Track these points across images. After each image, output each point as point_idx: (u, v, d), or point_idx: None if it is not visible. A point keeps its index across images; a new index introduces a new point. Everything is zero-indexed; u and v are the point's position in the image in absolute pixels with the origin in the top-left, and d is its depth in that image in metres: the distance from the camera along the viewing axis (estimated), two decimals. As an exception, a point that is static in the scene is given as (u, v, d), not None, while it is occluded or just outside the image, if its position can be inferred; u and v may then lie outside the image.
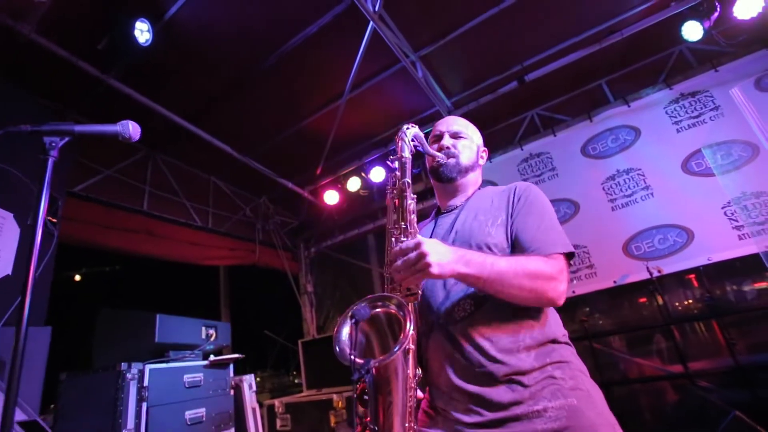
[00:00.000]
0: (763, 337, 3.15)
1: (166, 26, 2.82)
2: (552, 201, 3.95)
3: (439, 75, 3.78)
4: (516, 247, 1.08)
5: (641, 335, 3.68)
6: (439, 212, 1.37)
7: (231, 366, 3.20)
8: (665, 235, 3.44)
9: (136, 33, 2.65)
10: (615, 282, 3.57)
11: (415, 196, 1.14)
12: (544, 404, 0.92)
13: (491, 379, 0.96)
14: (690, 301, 3.66)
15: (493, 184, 1.49)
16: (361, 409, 0.91)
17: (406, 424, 0.90)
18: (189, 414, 2.71)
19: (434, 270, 0.89)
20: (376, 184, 4.55)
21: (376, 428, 0.88)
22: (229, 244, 4.71)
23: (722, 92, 3.48)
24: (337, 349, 0.91)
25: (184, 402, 2.73)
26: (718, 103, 3.47)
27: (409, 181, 1.11)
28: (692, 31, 3.17)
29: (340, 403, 3.58)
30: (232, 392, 3.13)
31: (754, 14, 3.03)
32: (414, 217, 1.09)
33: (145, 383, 2.55)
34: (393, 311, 0.94)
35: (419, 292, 1.00)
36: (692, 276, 3.49)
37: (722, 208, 3.30)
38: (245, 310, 6.55)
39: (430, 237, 1.24)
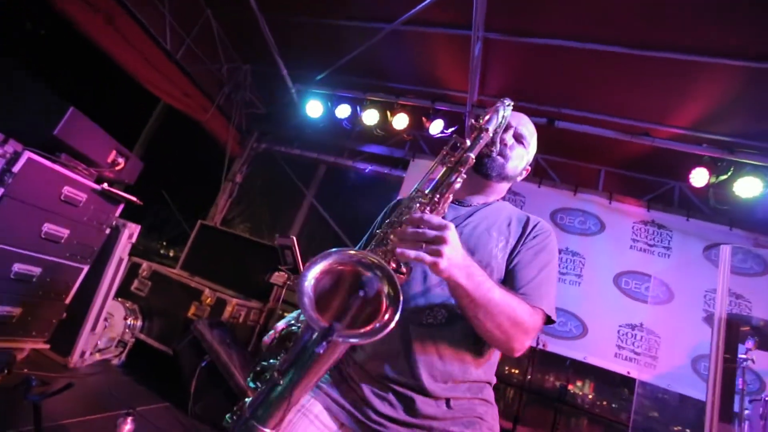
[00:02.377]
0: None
1: None
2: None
3: (487, 66, 3.58)
4: (508, 278, 1.02)
5: (498, 385, 4.00)
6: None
7: (122, 205, 2.82)
8: (567, 321, 3.73)
9: None
10: (505, 334, 3.81)
11: (466, 177, 0.96)
12: (459, 429, 0.93)
13: (422, 391, 0.94)
14: (549, 378, 4.07)
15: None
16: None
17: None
18: (48, 227, 2.33)
19: (442, 264, 0.76)
20: (362, 126, 4.26)
21: (280, 381, 0.78)
22: (185, 87, 4.09)
23: (680, 239, 3.80)
24: (304, 299, 0.69)
25: (50, 213, 2.34)
26: (672, 246, 3.79)
27: (474, 157, 0.93)
28: (700, 177, 3.37)
29: (209, 299, 3.39)
30: (108, 231, 2.76)
31: (747, 196, 3.31)
32: (451, 197, 0.94)
33: (15, 168, 2.12)
34: (379, 284, 0.75)
35: (405, 273, 0.84)
36: (563, 363, 3.84)
37: (618, 326, 3.66)
38: (158, 159, 5.89)
39: None
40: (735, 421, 2.47)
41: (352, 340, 0.69)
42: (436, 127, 3.89)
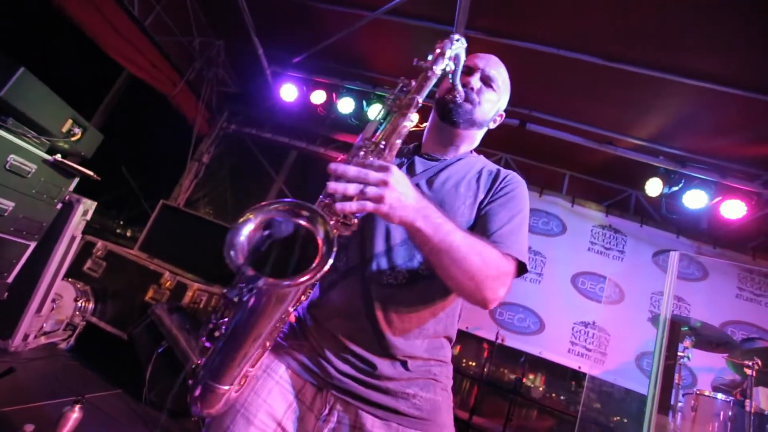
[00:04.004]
0: (530, 424, 3.82)
1: None
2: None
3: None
4: (478, 227, 0.99)
5: (456, 376, 4.13)
6: (418, 152, 1.18)
7: (76, 179, 2.63)
8: (526, 317, 3.90)
9: None
10: (467, 328, 3.92)
11: (415, 122, 0.91)
12: (415, 390, 0.94)
13: (382, 350, 0.94)
14: (504, 371, 4.24)
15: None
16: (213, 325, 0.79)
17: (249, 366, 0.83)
18: (-10, 198, 2.14)
19: (384, 207, 0.72)
20: (337, 114, 4.21)
21: (227, 338, 0.78)
22: (153, 58, 3.84)
23: (633, 243, 4.05)
24: (231, 252, 0.67)
25: (-7, 182, 2.14)
26: (625, 250, 4.04)
27: (421, 100, 0.89)
28: (653, 187, 3.60)
29: (169, 282, 3.25)
30: (59, 206, 2.58)
31: (695, 207, 3.57)
32: (399, 143, 0.87)
33: (-46, 131, 1.92)
34: (314, 232, 0.72)
35: (354, 222, 0.79)
36: (520, 356, 4.01)
37: (573, 323, 3.86)
38: (119, 132, 5.54)
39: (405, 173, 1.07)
40: (669, 413, 2.69)
41: (284, 284, 0.67)
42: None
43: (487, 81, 1.13)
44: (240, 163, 5.31)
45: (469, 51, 3.40)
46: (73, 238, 2.71)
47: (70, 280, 3.09)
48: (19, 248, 2.42)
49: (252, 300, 0.74)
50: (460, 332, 4.01)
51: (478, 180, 1.07)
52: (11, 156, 2.19)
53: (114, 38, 3.38)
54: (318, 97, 4.21)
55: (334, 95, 4.14)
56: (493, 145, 4.59)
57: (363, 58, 4.01)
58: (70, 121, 2.49)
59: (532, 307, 3.94)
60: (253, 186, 5.31)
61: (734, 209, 3.53)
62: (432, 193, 1.04)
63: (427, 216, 0.78)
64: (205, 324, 0.81)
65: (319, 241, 0.69)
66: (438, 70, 0.93)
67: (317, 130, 4.88)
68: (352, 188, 0.72)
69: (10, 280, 2.42)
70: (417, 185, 1.02)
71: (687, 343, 2.75)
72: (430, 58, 0.94)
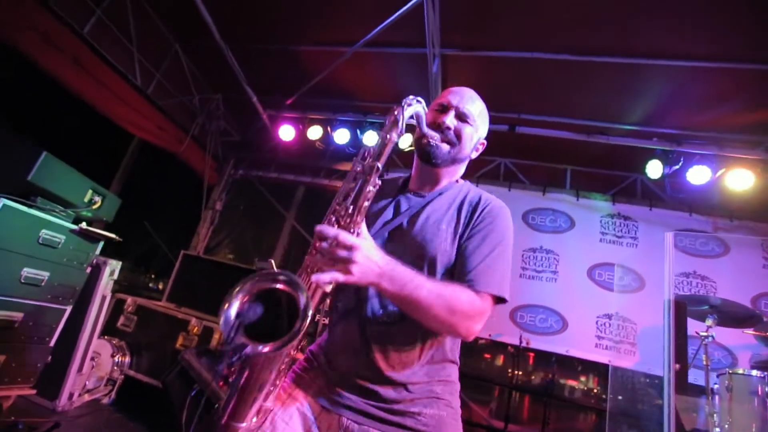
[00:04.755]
0: (569, 424, 3.74)
1: None
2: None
3: (447, 79, 3.76)
4: (457, 265, 1.06)
5: (485, 385, 4.11)
6: (406, 187, 1.26)
7: (101, 243, 2.85)
8: (547, 317, 3.87)
9: None
10: (490, 335, 3.92)
11: (379, 182, 0.98)
12: (419, 409, 1.01)
13: (384, 381, 1.02)
14: (534, 376, 4.18)
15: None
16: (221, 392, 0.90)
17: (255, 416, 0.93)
18: (27, 272, 2.36)
19: (353, 278, 0.83)
20: (336, 145, 4.40)
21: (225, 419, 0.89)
22: (159, 122, 4.16)
23: (645, 228, 4.01)
24: (222, 326, 0.79)
25: (29, 257, 2.37)
26: (638, 235, 4.00)
27: (381, 166, 0.96)
28: (654, 169, 3.59)
29: (196, 328, 3.41)
30: (88, 270, 2.79)
31: (700, 183, 3.54)
32: (367, 204, 0.95)
33: (-9, 216, 2.16)
34: (295, 297, 0.82)
35: (331, 286, 0.90)
36: (548, 357, 3.96)
37: (597, 317, 3.81)
38: (138, 194, 5.90)
39: (391, 213, 1.19)
40: (705, 396, 2.63)
41: (265, 350, 0.78)
42: (404, 141, 4.04)
43: (462, 117, 1.16)
44: (252, 205, 5.54)
45: (449, 70, 3.56)
46: (103, 298, 2.91)
47: (105, 337, 3.29)
48: (56, 313, 2.63)
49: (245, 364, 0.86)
50: (484, 342, 4.00)
51: (458, 213, 1.12)
52: (43, 231, 2.42)
53: (122, 109, 3.69)
54: (314, 132, 4.42)
55: (329, 128, 4.35)
56: (489, 152, 4.67)
57: (351, 90, 4.21)
58: (90, 192, 2.73)
59: (552, 306, 3.91)
60: (267, 225, 5.51)
61: (741, 179, 3.48)
62: (416, 231, 1.10)
63: (392, 278, 0.88)
64: (215, 374, 0.93)
65: (300, 307, 0.80)
66: (395, 136, 0.99)
67: (319, 163, 5.09)
68: (325, 257, 0.84)
69: (52, 343, 2.62)
70: (400, 225, 1.13)
71: (710, 322, 2.71)
72: (387, 122, 0.99)
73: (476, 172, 4.73)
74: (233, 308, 0.81)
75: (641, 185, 4.32)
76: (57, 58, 3.18)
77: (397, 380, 1.02)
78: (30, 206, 2.34)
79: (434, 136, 1.12)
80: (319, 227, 0.86)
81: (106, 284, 2.91)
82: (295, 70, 3.96)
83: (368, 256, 0.85)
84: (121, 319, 3.58)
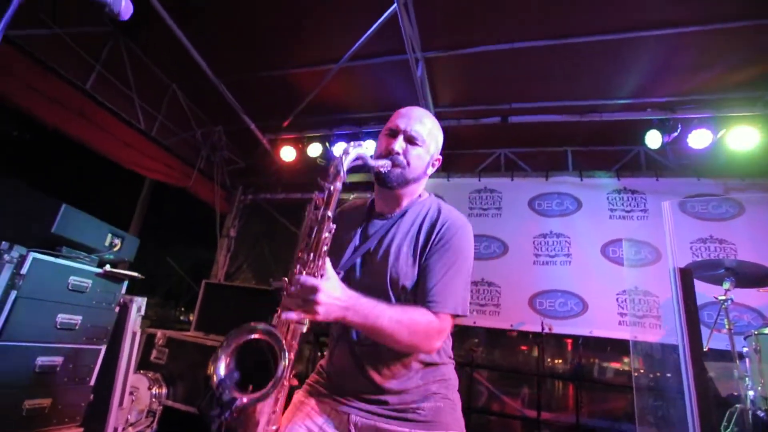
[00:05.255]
0: (603, 406, 3.71)
1: None
2: (487, 236, 4.29)
3: (434, 82, 3.83)
4: (418, 285, 1.14)
5: (514, 377, 4.10)
6: (372, 211, 1.34)
7: (125, 283, 3.01)
8: (567, 300, 3.86)
9: None
10: (512, 326, 3.93)
11: (334, 226, 1.06)
12: (418, 404, 1.13)
13: (383, 392, 1.14)
14: (562, 360, 4.16)
15: (439, 196, 1.38)
16: None
17: None
18: (62, 317, 2.51)
19: (319, 316, 0.93)
20: (336, 159, 4.50)
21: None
22: (166, 160, 4.36)
23: (654, 199, 3.98)
24: (214, 377, 0.93)
25: (61, 304, 2.53)
26: (648, 207, 3.96)
27: (331, 215, 1.03)
28: (653, 139, 3.57)
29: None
30: (117, 309, 2.94)
31: (702, 146, 3.50)
32: (326, 248, 1.03)
33: (23, 271, 2.32)
34: (273, 347, 0.94)
35: (306, 324, 1.03)
36: (572, 341, 3.95)
37: (616, 294, 3.78)
38: (157, 231, 6.14)
39: (356, 241, 1.27)
40: (736, 360, 2.59)
41: (254, 400, 0.90)
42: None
43: (411, 140, 1.21)
44: (264, 228, 5.70)
45: (434, 72, 3.62)
46: (134, 334, 3.06)
47: (141, 372, 3.45)
48: (93, 353, 2.78)
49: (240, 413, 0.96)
50: (507, 334, 4.00)
51: (418, 234, 1.19)
52: (71, 277, 2.58)
53: (130, 153, 3.89)
54: (314, 150, 4.54)
55: (327, 144, 4.47)
56: (487, 144, 4.72)
57: (343, 104, 4.33)
58: (109, 236, 2.89)
59: (570, 289, 3.90)
60: (282, 244, 5.64)
61: (744, 137, 3.43)
62: (381, 255, 1.19)
63: (356, 311, 0.98)
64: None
65: (278, 356, 0.92)
66: (339, 185, 1.05)
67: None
68: (293, 302, 0.95)
69: (92, 383, 2.77)
70: (369, 249, 1.22)
71: (728, 285, 2.68)
72: (329, 174, 1.06)
73: (477, 166, 4.77)
74: (221, 367, 0.93)
75: (645, 157, 4.29)
76: (65, 115, 3.39)
77: (395, 390, 1.13)
78: (57, 256, 2.50)
79: (385, 164, 1.18)
80: (286, 279, 0.99)
81: (135, 321, 3.06)
82: (287, 93, 4.10)
83: (330, 295, 0.94)
84: (154, 353, 3.74)
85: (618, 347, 3.81)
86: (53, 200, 2.60)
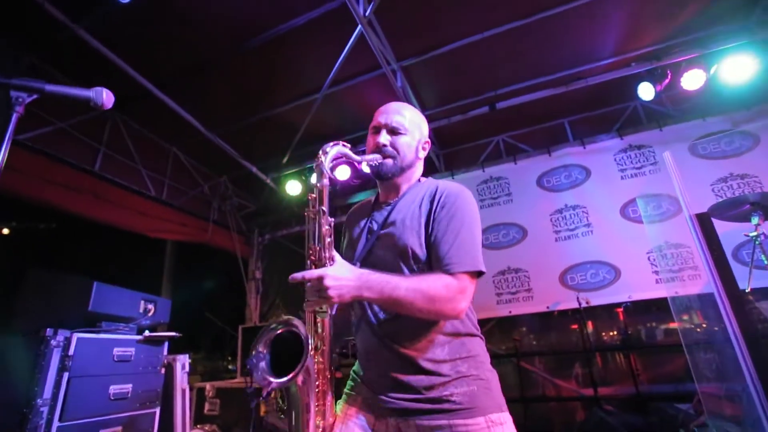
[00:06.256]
0: (661, 370, 3.58)
1: (151, -13, 2.71)
2: (503, 224, 4.26)
3: (417, 87, 3.90)
4: (431, 257, 1.17)
5: (563, 359, 4.01)
6: (377, 202, 1.40)
7: (166, 344, 3.12)
8: (597, 270, 3.78)
9: (116, -12, 2.54)
10: (548, 307, 3.86)
11: (332, 220, 1.16)
12: (451, 390, 1.10)
13: (412, 370, 1.13)
14: (608, 332, 4.05)
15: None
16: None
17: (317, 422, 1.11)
18: (114, 389, 2.63)
19: (334, 299, 1.00)
20: (340, 182, 4.59)
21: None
22: (181, 219, 4.55)
23: (662, 150, 3.89)
24: (252, 370, 1.03)
25: (111, 376, 2.65)
26: (657, 159, 3.88)
27: (325, 209, 1.13)
28: (646, 91, 3.51)
29: (273, 393, 3.59)
30: (163, 371, 3.05)
31: (697, 87, 3.42)
32: (330, 240, 1.12)
33: (70, 352, 2.45)
34: (297, 334, 1.03)
35: (328, 312, 1.11)
36: (613, 310, 3.85)
37: (647, 253, 3.68)
38: (188, 288, 6.34)
39: (366, 229, 1.33)
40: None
41: (285, 380, 0.99)
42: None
43: (394, 131, 1.30)
44: (288, 262, 5.81)
45: (414, 78, 3.66)
46: (183, 391, 3.16)
47: (198, 426, 3.54)
48: (148, 418, 2.88)
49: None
50: (546, 317, 3.93)
51: (420, 207, 1.24)
52: (115, 349, 2.70)
53: (146, 221, 4.08)
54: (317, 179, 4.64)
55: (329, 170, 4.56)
56: (483, 134, 4.73)
57: (335, 128, 4.43)
58: (142, 302, 3.03)
59: (599, 258, 3.82)
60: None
61: (740, 68, 3.33)
62: (388, 235, 1.24)
63: (369, 287, 1.03)
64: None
65: (303, 344, 1.01)
66: (326, 182, 1.17)
67: (332, 204, 5.27)
68: (309, 294, 1.04)
69: (153, 446, 2.87)
70: (378, 232, 1.27)
71: (756, 220, 2.59)
72: (316, 176, 1.18)
73: (478, 158, 4.77)
74: (256, 357, 1.03)
75: (643, 111, 4.21)
76: (81, 199, 3.60)
77: (424, 366, 1.12)
78: (97, 332, 2.64)
79: (376, 158, 1.27)
80: (291, 275, 1.05)
81: (181, 378, 3.16)
82: (280, 131, 4.23)
83: (338, 278, 1.01)
84: (207, 406, 3.84)
85: (661, 307, 3.68)
86: (85, 280, 2.75)
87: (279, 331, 1.05)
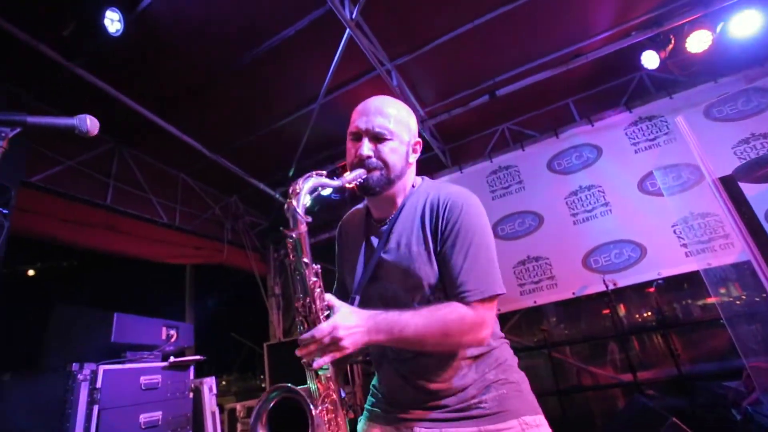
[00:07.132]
0: (703, 348, 3.40)
1: (139, 17, 2.75)
2: (518, 213, 4.15)
3: (413, 85, 3.86)
4: (444, 279, 1.06)
5: (596, 345, 3.86)
6: (369, 220, 1.25)
7: (192, 368, 3.13)
8: (621, 249, 3.64)
9: (106, 22, 2.58)
10: (574, 293, 3.73)
11: (318, 266, 1.01)
12: (480, 398, 1.05)
13: (440, 396, 1.08)
14: (641, 313, 3.88)
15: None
16: None
17: None
18: (144, 417, 2.63)
19: (347, 350, 0.92)
20: (349, 189, 4.57)
21: None
22: (195, 243, 4.59)
23: (674, 118, 3.72)
24: None
25: (140, 405, 2.65)
26: (670, 128, 3.72)
27: (307, 261, 0.98)
28: (650, 60, 3.40)
29: (302, 407, 3.56)
30: (191, 395, 3.05)
31: (704, 48, 3.28)
32: (319, 291, 0.98)
33: (98, 385, 2.46)
34: (295, 399, 0.99)
35: (328, 367, 1.00)
36: (644, 290, 3.69)
37: (672, 226, 3.53)
38: (211, 311, 6.39)
39: (362, 254, 1.20)
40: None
41: None
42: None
43: (377, 138, 1.11)
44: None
45: (410, 75, 3.60)
46: (213, 414, 3.15)
47: (232, 447, 3.53)
48: (181, 443, 2.88)
49: None
50: (573, 303, 3.79)
51: (422, 226, 1.10)
52: (141, 378, 2.72)
53: (161, 249, 4.13)
54: (324, 189, 4.63)
55: (335, 178, 4.54)
56: (488, 124, 4.65)
57: (338, 136, 4.40)
58: (164, 329, 3.04)
59: (621, 237, 3.68)
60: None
61: (746, 24, 3.19)
62: (393, 262, 1.11)
63: (378, 330, 0.95)
64: None
65: (305, 406, 0.97)
66: (303, 227, 0.99)
67: (342, 212, 5.26)
68: (318, 351, 0.92)
69: (189, 470, 2.86)
70: (378, 261, 1.14)
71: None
72: (290, 225, 1.00)
73: (484, 149, 4.69)
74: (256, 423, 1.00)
75: (650, 80, 4.07)
76: (96, 234, 3.67)
77: (451, 392, 1.06)
78: (123, 362, 2.65)
79: (359, 174, 1.10)
80: (299, 346, 0.95)
81: (209, 401, 3.15)
82: (283, 144, 4.24)
83: (348, 327, 0.93)
84: (239, 427, 3.83)
85: (695, 281, 3.51)
86: (106, 312, 2.78)
87: (272, 403, 1.02)
